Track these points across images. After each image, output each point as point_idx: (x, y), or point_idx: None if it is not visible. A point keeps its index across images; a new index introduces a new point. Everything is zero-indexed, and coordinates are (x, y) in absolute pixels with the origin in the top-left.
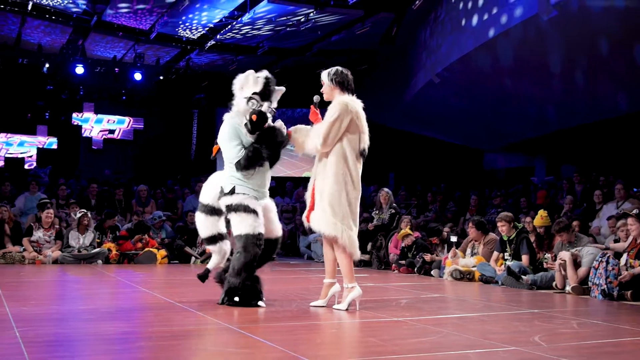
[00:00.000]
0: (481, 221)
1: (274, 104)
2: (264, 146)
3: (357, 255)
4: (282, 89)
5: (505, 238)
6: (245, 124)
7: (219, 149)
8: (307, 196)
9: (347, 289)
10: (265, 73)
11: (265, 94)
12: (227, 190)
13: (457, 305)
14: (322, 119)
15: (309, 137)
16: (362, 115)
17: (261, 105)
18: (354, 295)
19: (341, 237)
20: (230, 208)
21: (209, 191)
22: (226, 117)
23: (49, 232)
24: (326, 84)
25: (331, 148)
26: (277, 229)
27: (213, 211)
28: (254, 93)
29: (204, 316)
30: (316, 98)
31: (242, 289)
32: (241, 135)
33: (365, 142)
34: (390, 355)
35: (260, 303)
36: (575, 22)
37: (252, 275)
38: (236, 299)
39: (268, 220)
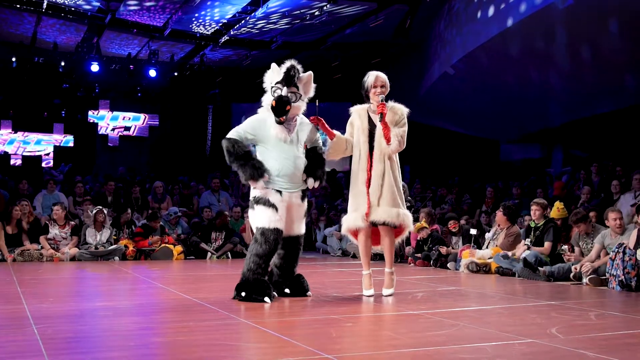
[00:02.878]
0: (511, 208)
1: (307, 89)
2: (238, 156)
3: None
4: (309, 73)
5: (532, 225)
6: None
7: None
8: (361, 193)
9: (391, 273)
10: (288, 63)
11: (287, 81)
12: None
13: (474, 297)
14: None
15: (393, 139)
16: None
17: (281, 91)
18: (395, 278)
19: (409, 224)
20: (254, 200)
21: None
22: (259, 110)
23: (64, 229)
24: (388, 88)
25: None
26: (299, 227)
27: None
28: (276, 82)
29: (220, 311)
30: (382, 98)
31: (252, 284)
32: (264, 128)
33: None
34: (406, 348)
35: (266, 299)
36: (591, 10)
37: (264, 268)
38: (243, 293)
39: (291, 217)
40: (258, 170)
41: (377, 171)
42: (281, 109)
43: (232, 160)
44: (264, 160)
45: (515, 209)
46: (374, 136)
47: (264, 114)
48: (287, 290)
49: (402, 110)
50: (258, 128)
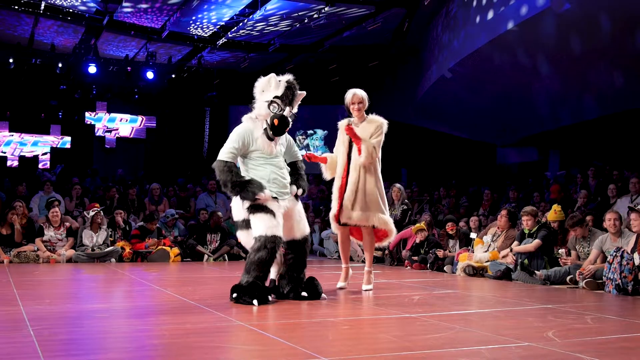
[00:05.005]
0: (515, 212)
1: (295, 109)
2: (235, 184)
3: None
4: (303, 93)
5: (526, 231)
6: (265, 129)
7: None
8: (334, 198)
9: (369, 272)
10: (287, 77)
11: (286, 98)
12: None
13: (470, 301)
14: (355, 134)
15: (364, 150)
16: None
17: (283, 110)
18: (374, 276)
19: (391, 229)
20: (250, 209)
21: (237, 206)
22: (244, 118)
23: (59, 231)
24: (366, 104)
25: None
26: (303, 228)
27: (249, 224)
28: (275, 97)
29: (216, 314)
30: (349, 120)
31: (245, 286)
32: (252, 142)
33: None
34: (402, 351)
35: (254, 302)
36: (588, 15)
37: (264, 276)
38: (234, 295)
39: (291, 221)
40: (258, 186)
41: (352, 179)
42: (282, 129)
43: (229, 186)
44: (250, 169)
45: (517, 214)
46: (352, 147)
47: (249, 124)
48: (304, 294)
49: (380, 122)
50: (246, 141)
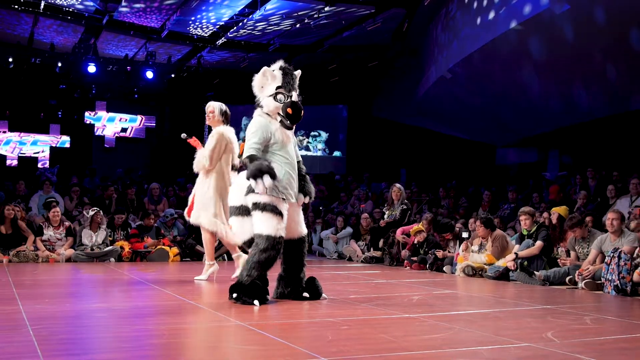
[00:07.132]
0: (488, 218)
1: (297, 90)
2: (264, 169)
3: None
4: (299, 72)
5: (525, 232)
6: (281, 121)
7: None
8: (190, 198)
9: (208, 264)
10: (278, 64)
11: (287, 84)
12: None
13: (469, 301)
14: (201, 144)
15: (196, 158)
16: (234, 139)
17: (290, 96)
18: (213, 269)
19: (218, 229)
20: (258, 206)
21: (239, 191)
22: (255, 113)
23: (59, 230)
24: (217, 114)
25: (214, 166)
26: (301, 229)
27: (248, 211)
28: (277, 87)
29: (216, 314)
30: (184, 136)
31: (245, 286)
32: (271, 135)
33: (236, 159)
34: (402, 351)
35: (255, 302)
36: (588, 16)
37: (264, 276)
38: (234, 295)
39: (290, 222)
40: (272, 170)
41: (197, 182)
42: (298, 115)
43: (249, 163)
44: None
45: (492, 218)
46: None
47: (265, 118)
48: (305, 294)
49: (216, 131)
50: (264, 134)
